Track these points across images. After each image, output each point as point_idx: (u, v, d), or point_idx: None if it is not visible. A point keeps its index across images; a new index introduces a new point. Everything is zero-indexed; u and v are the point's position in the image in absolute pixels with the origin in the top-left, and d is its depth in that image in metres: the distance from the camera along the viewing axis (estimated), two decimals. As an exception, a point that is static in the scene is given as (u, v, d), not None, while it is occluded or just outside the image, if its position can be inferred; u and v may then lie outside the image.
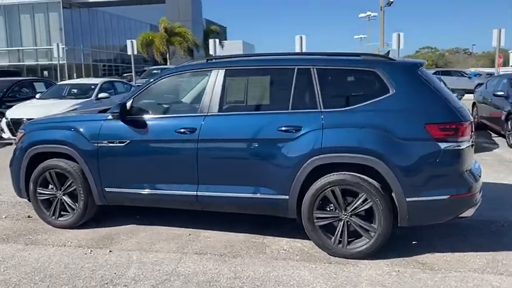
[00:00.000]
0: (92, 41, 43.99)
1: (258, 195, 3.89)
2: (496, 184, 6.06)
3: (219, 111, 4.02)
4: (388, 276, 3.41)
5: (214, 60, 4.31)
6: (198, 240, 4.22)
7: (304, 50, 17.06)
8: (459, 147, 3.52)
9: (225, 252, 3.92)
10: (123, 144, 4.22)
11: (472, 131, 3.78)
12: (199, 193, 4.05)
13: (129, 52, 19.65)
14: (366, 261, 3.67)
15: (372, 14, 45.95)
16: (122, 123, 4.23)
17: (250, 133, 3.89)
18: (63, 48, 38.91)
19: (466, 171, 3.62)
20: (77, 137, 4.38)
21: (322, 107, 3.75)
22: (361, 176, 3.63)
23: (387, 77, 3.67)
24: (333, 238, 3.75)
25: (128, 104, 4.26)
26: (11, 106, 11.04)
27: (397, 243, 4.01)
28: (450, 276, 3.40)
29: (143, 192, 4.25)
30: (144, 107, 4.30)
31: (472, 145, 3.85)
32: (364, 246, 3.67)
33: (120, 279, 3.43)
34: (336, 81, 3.87)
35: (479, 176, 3.85)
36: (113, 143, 4.25)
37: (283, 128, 3.77)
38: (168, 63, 33.76)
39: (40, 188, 4.63)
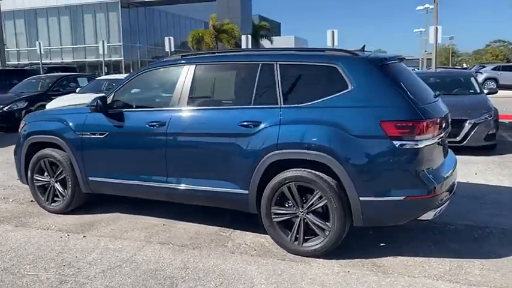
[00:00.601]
0: (149, 38, 45.79)
1: (221, 189, 3.95)
2: (509, 188, 5.67)
3: (187, 106, 4.12)
4: (334, 277, 3.33)
5: (187, 57, 4.40)
6: (169, 230, 4.34)
7: (336, 45, 16.73)
8: (416, 146, 3.36)
9: (188, 243, 4.01)
10: (102, 136, 4.44)
11: (440, 129, 3.61)
12: (168, 185, 4.18)
13: (167, 49, 20.31)
14: (321, 260, 3.61)
15: (430, 7, 43.99)
16: (103, 116, 4.44)
17: (214, 128, 3.95)
18: (121, 45, 41.06)
19: (426, 171, 3.44)
20: (65, 128, 4.66)
21: (282, 103, 3.73)
22: (316, 172, 3.57)
23: (347, 73, 3.57)
24: (290, 235, 3.72)
25: (110, 98, 4.48)
26: (55, 100, 11.85)
27: (363, 243, 3.92)
28: (399, 281, 3.26)
29: (120, 182, 4.45)
30: (123, 101, 4.49)
31: (439, 143, 3.67)
32: (319, 245, 3.61)
33: (78, 262, 3.64)
34: (297, 77, 3.82)
35: (448, 176, 3.65)
36: (94, 134, 4.49)
37: (244, 123, 3.79)
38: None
39: (36, 175, 4.98)
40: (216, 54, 4.27)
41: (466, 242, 3.96)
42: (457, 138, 7.51)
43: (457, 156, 7.41)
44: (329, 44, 16.81)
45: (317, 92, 3.69)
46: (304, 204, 3.66)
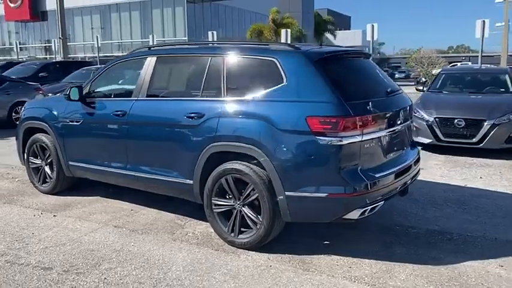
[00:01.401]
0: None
1: (170, 179, 4.08)
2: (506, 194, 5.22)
3: (146, 97, 4.28)
4: (252, 270, 3.33)
5: (153, 48, 4.56)
6: (132, 215, 4.55)
7: (376, 39, 16.05)
8: (340, 143, 3.24)
9: (140, 228, 4.19)
10: (78, 124, 4.75)
11: (381, 125, 3.47)
12: (128, 172, 4.39)
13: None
14: (253, 252, 3.62)
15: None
16: (80, 104, 4.75)
17: (165, 118, 4.08)
18: (186, 40, 42.44)
19: (354, 168, 3.31)
20: (51, 115, 5.04)
21: (225, 96, 3.77)
22: (250, 166, 3.57)
23: (283, 67, 3.53)
24: (227, 226, 3.77)
25: (87, 88, 4.78)
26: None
27: (308, 240, 3.86)
28: (314, 279, 3.19)
29: (93, 168, 4.74)
30: (98, 91, 4.78)
31: (382, 139, 3.52)
32: (251, 238, 3.62)
33: (31, 238, 3.95)
34: (240, 71, 3.83)
35: (388, 174, 3.49)
36: (72, 122, 4.81)
37: (191, 115, 3.88)
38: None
39: (31, 158, 5.44)
40: (176, 46, 4.38)
41: (416, 247, 3.74)
42: (474, 139, 7.01)
43: (473, 159, 7.00)
44: (368, 39, 16.19)
45: (257, 86, 3.68)
46: (241, 197, 3.69)
